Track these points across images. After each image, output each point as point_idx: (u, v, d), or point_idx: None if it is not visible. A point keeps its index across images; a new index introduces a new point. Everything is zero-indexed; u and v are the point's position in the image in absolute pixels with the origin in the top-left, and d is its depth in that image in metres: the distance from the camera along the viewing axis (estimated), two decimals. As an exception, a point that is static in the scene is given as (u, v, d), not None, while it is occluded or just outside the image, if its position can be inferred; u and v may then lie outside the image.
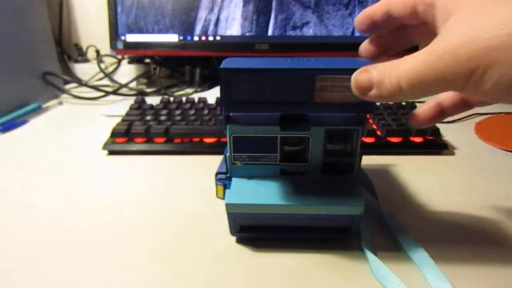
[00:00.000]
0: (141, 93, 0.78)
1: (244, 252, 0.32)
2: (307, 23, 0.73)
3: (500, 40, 0.19)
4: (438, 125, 0.56)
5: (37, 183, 0.44)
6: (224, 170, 0.34)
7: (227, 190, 0.32)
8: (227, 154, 0.32)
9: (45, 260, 0.32)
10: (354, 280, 0.29)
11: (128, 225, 0.36)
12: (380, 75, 0.23)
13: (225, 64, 0.29)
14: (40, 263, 0.31)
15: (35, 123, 0.64)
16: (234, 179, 0.33)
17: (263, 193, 0.31)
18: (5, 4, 0.64)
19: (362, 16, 0.30)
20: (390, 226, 0.34)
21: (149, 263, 0.31)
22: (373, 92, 0.24)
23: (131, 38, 0.75)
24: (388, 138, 0.51)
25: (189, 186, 0.43)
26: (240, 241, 0.34)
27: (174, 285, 0.29)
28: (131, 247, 0.33)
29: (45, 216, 0.38)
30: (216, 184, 0.33)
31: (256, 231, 0.33)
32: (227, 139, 0.32)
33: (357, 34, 0.73)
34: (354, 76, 0.25)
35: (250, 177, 0.33)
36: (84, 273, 0.30)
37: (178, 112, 0.58)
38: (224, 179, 0.33)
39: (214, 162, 0.46)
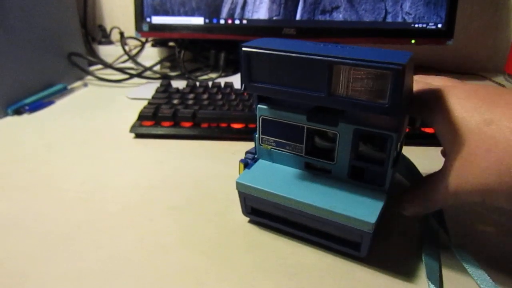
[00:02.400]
0: (165, 77, 0.77)
1: (278, 240, 0.32)
2: (337, 7, 0.71)
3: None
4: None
5: (65, 163, 0.44)
6: (254, 150, 0.34)
7: (245, 170, 0.32)
8: (256, 135, 0.32)
9: (78, 240, 0.31)
10: None
11: (158, 208, 0.36)
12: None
13: (248, 44, 0.28)
14: (73, 243, 0.31)
15: (61, 104, 0.64)
16: (259, 161, 0.33)
17: (276, 181, 0.30)
18: (33, -17, 0.64)
19: None
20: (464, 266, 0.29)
21: (180, 247, 0.31)
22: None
23: (157, 20, 0.74)
24: (423, 129, 0.49)
25: (218, 172, 0.42)
26: (270, 229, 0.33)
27: (205, 270, 0.28)
28: (162, 230, 0.33)
29: (75, 196, 0.38)
30: (239, 163, 0.33)
31: (265, 217, 0.32)
32: (257, 119, 0.31)
33: (389, 20, 0.70)
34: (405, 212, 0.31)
35: (276, 163, 0.32)
36: (115, 254, 0.30)
37: (205, 96, 0.57)
38: (250, 159, 0.33)
39: (241, 148, 0.45)
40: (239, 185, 0.31)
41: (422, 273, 0.28)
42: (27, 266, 0.29)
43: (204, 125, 0.51)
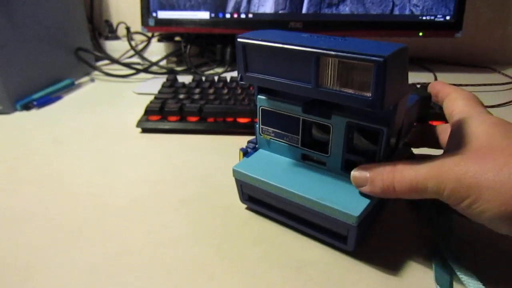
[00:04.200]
0: (171, 72, 0.78)
1: (287, 234, 0.32)
2: (344, 0, 0.70)
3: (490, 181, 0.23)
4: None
5: (73, 158, 0.45)
6: (255, 140, 0.34)
7: (244, 158, 0.33)
8: (256, 125, 0.33)
9: (87, 234, 0.32)
10: None
11: (167, 202, 0.36)
12: (374, 175, 0.27)
13: (244, 35, 0.28)
14: (82, 237, 0.32)
15: (69, 99, 0.65)
16: (259, 151, 0.34)
17: (271, 170, 0.31)
18: (39, -21, 0.64)
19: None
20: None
21: (188, 240, 0.31)
22: (366, 187, 0.27)
23: (163, 15, 0.74)
24: (431, 122, 0.49)
25: (224, 166, 0.42)
26: (277, 222, 0.33)
27: (214, 263, 0.29)
28: (170, 223, 0.33)
29: (84, 191, 0.38)
30: (239, 151, 0.34)
31: (261, 205, 0.33)
32: (257, 109, 0.32)
33: (396, 12, 0.70)
34: (353, 171, 0.28)
35: (275, 153, 0.33)
36: (124, 248, 0.30)
37: (211, 91, 0.57)
38: (251, 148, 0.34)
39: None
40: (235, 172, 0.32)
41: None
42: (36, 259, 0.29)
43: (210, 119, 0.51)
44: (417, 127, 0.35)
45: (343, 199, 0.28)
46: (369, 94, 0.24)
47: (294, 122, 0.30)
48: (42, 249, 0.30)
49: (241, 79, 0.29)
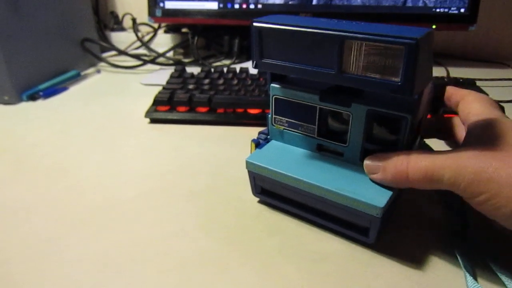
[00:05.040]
0: (178, 63, 0.76)
1: (300, 226, 0.31)
2: (355, -9, 0.69)
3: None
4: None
5: (80, 149, 0.44)
6: (267, 131, 0.33)
7: (256, 149, 0.32)
8: (269, 115, 0.32)
9: (95, 225, 0.31)
10: None
11: (177, 193, 0.35)
12: (387, 162, 0.26)
13: (259, 19, 0.27)
14: (90, 227, 0.31)
15: (75, 90, 0.64)
16: (271, 142, 0.33)
17: (286, 162, 0.30)
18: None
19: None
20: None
21: (200, 232, 0.30)
22: (378, 175, 0.26)
23: (170, 5, 0.72)
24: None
25: (235, 157, 0.41)
26: (291, 214, 0.32)
27: (226, 255, 0.28)
28: (182, 215, 0.32)
29: (92, 182, 0.37)
30: (251, 142, 0.33)
31: (275, 197, 0.31)
32: (270, 99, 0.31)
33: (409, 4, 0.68)
34: (366, 159, 0.27)
35: (288, 144, 0.32)
36: (135, 241, 0.29)
37: (220, 81, 0.56)
38: (262, 139, 0.33)
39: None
40: (248, 164, 0.31)
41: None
42: (45, 251, 0.28)
43: (220, 110, 0.50)
44: (431, 118, 0.34)
45: (365, 190, 0.26)
46: (398, 79, 0.23)
47: (310, 111, 0.29)
48: (50, 240, 0.29)
49: (256, 66, 0.28)
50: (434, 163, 0.24)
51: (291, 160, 0.30)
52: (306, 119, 0.30)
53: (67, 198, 0.34)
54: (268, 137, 0.33)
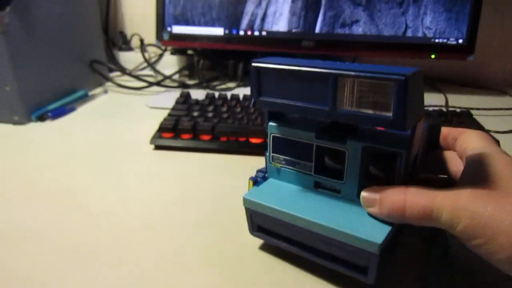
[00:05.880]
0: (183, 85, 0.78)
1: (297, 264, 0.32)
2: (357, 21, 0.71)
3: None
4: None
5: (87, 174, 0.45)
6: (265, 169, 0.34)
7: (254, 187, 0.32)
8: (267, 153, 0.33)
9: (99, 255, 0.32)
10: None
11: (179, 224, 0.36)
12: (384, 196, 0.26)
13: (258, 60, 0.28)
14: (95, 258, 0.32)
15: (83, 111, 0.65)
16: (269, 180, 0.33)
17: (283, 199, 0.30)
18: (59, -7, 0.65)
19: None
20: None
21: (199, 266, 0.31)
22: (374, 208, 0.27)
23: (177, 29, 0.75)
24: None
25: (237, 187, 0.42)
26: (289, 253, 0.33)
27: (228, 293, 0.29)
28: (182, 247, 0.33)
29: (97, 209, 0.38)
30: (249, 180, 0.33)
31: (272, 235, 0.32)
32: (268, 137, 0.32)
33: (409, 34, 0.70)
34: (362, 192, 0.28)
35: (285, 182, 0.32)
36: (138, 272, 0.30)
37: (224, 109, 0.57)
38: (260, 177, 0.33)
39: (260, 162, 0.45)
40: (246, 202, 0.31)
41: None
42: (50, 279, 0.30)
43: (223, 138, 0.51)
44: (427, 155, 0.35)
45: (363, 226, 0.27)
46: (389, 114, 0.24)
47: (307, 149, 0.30)
48: (55, 269, 0.31)
49: (254, 104, 0.29)
50: (433, 202, 0.24)
51: (289, 197, 0.31)
52: (303, 156, 0.31)
53: (73, 225, 0.36)
54: (266, 175, 0.34)
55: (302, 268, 0.31)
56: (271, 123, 0.32)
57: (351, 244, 0.26)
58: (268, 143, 0.32)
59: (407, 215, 0.25)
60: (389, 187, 0.27)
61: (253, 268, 0.31)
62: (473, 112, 0.61)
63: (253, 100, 0.29)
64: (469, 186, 0.25)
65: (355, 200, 0.29)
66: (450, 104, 0.69)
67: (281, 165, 0.32)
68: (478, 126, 0.56)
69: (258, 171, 0.35)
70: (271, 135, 0.32)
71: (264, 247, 0.34)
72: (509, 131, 0.58)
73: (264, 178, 0.34)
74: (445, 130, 0.33)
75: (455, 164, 0.32)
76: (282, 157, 0.32)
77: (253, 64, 0.28)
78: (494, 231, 0.23)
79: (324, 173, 0.30)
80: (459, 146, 0.31)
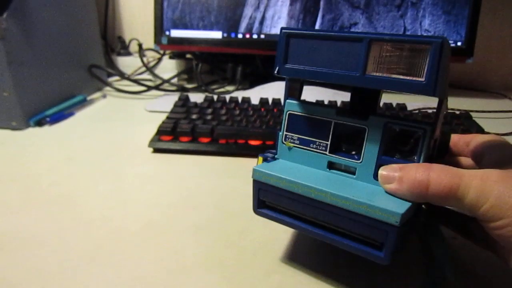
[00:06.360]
0: (182, 89, 0.78)
1: (301, 263, 0.31)
2: (355, 24, 0.71)
3: None
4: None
5: (86, 178, 0.45)
6: (274, 150, 0.32)
7: (263, 163, 0.31)
8: (280, 133, 0.31)
9: (99, 261, 0.32)
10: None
11: (179, 227, 0.36)
12: (404, 172, 0.25)
13: (287, 27, 0.28)
14: (94, 263, 0.31)
15: (81, 116, 0.65)
16: (279, 160, 0.32)
17: (295, 173, 0.29)
18: (57, -3, 0.65)
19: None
20: None
21: (200, 269, 0.31)
22: (392, 185, 0.26)
23: (176, 33, 0.75)
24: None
25: (236, 189, 0.42)
26: (293, 254, 0.33)
27: (228, 296, 0.28)
28: (182, 251, 0.33)
29: (96, 214, 0.38)
30: (258, 156, 0.32)
31: (278, 213, 0.30)
32: (283, 115, 0.31)
33: (407, 37, 0.70)
34: (381, 169, 0.26)
35: (297, 163, 0.31)
36: (137, 276, 0.30)
37: (223, 111, 0.57)
38: (270, 157, 0.32)
39: (260, 165, 0.45)
40: (256, 172, 0.29)
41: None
42: (46, 284, 0.29)
43: (222, 141, 0.51)
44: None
45: (382, 199, 0.25)
46: (422, 79, 0.24)
47: (325, 127, 0.29)
48: (54, 274, 0.30)
49: (278, 72, 0.29)
50: (460, 179, 0.23)
51: (302, 173, 0.29)
52: (319, 135, 0.30)
53: (73, 230, 0.35)
54: (276, 156, 0.32)
55: (302, 271, 0.31)
56: (289, 100, 0.31)
57: (369, 216, 0.25)
58: (283, 121, 0.31)
59: (430, 192, 0.24)
60: (410, 164, 0.25)
61: (253, 271, 0.31)
62: (472, 114, 0.61)
63: (277, 68, 0.29)
64: (495, 168, 0.24)
65: (371, 182, 0.28)
66: (449, 106, 0.69)
67: (294, 144, 0.31)
68: (477, 128, 0.56)
69: (267, 151, 0.33)
70: (287, 113, 0.31)
71: (264, 249, 0.33)
72: (508, 133, 0.58)
73: (274, 159, 0.32)
74: (455, 137, 0.33)
75: (468, 167, 0.32)
76: (296, 136, 0.31)
77: (283, 30, 0.28)
78: None
79: (340, 153, 0.29)
80: (472, 147, 0.31)
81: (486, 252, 0.28)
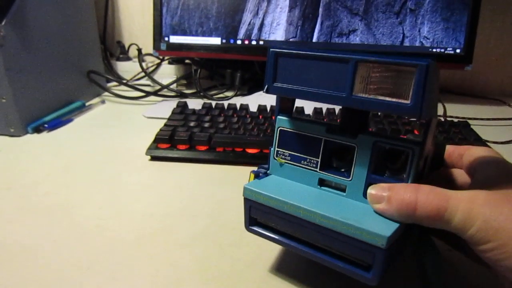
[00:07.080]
0: (180, 94, 0.78)
1: (296, 276, 0.31)
2: (354, 30, 0.71)
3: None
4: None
5: (83, 186, 0.45)
6: (267, 165, 0.33)
7: (255, 179, 0.31)
8: (271, 148, 0.32)
9: (94, 271, 0.32)
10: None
11: (174, 238, 0.36)
12: (393, 193, 0.25)
13: (276, 46, 0.28)
14: (89, 274, 0.31)
15: (79, 122, 0.65)
16: (271, 176, 0.32)
17: (286, 191, 0.29)
18: (55, 3, 0.65)
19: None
20: None
21: (195, 281, 0.31)
22: (381, 205, 0.25)
23: (175, 39, 0.75)
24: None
25: (233, 199, 0.42)
26: (287, 265, 0.32)
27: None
28: (177, 262, 0.33)
29: (92, 223, 0.38)
30: (250, 173, 0.32)
31: (269, 231, 0.30)
32: (274, 131, 0.31)
33: (407, 43, 0.70)
34: (369, 188, 0.26)
35: (288, 179, 0.31)
36: (135, 287, 0.30)
37: (221, 119, 0.57)
38: (262, 173, 0.32)
39: (257, 174, 0.45)
40: (246, 191, 0.29)
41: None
42: (44, 297, 0.29)
43: (220, 149, 0.51)
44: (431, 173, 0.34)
45: (369, 220, 0.25)
46: (407, 101, 0.24)
47: (315, 144, 0.29)
48: (48, 285, 0.30)
49: (267, 91, 0.29)
50: (447, 202, 0.23)
51: (292, 190, 0.29)
52: (309, 152, 0.30)
53: (68, 239, 0.35)
54: (268, 171, 0.33)
55: (297, 282, 0.31)
56: (280, 117, 0.31)
57: (356, 238, 0.25)
58: (274, 137, 0.31)
59: (417, 213, 0.24)
60: (399, 184, 0.26)
61: (248, 282, 0.31)
62: (471, 122, 0.61)
63: (266, 86, 0.29)
64: (483, 189, 0.24)
65: (360, 199, 0.28)
66: (448, 114, 0.69)
67: (285, 160, 0.31)
68: (476, 137, 0.55)
69: (260, 166, 0.33)
70: (279, 129, 0.31)
71: (260, 261, 0.33)
72: (507, 141, 0.58)
73: (266, 174, 0.32)
74: (450, 148, 0.33)
75: (462, 181, 0.32)
76: (287, 152, 0.31)
77: (271, 49, 0.28)
78: (509, 236, 0.22)
79: (330, 170, 0.29)
80: (466, 160, 0.31)
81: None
